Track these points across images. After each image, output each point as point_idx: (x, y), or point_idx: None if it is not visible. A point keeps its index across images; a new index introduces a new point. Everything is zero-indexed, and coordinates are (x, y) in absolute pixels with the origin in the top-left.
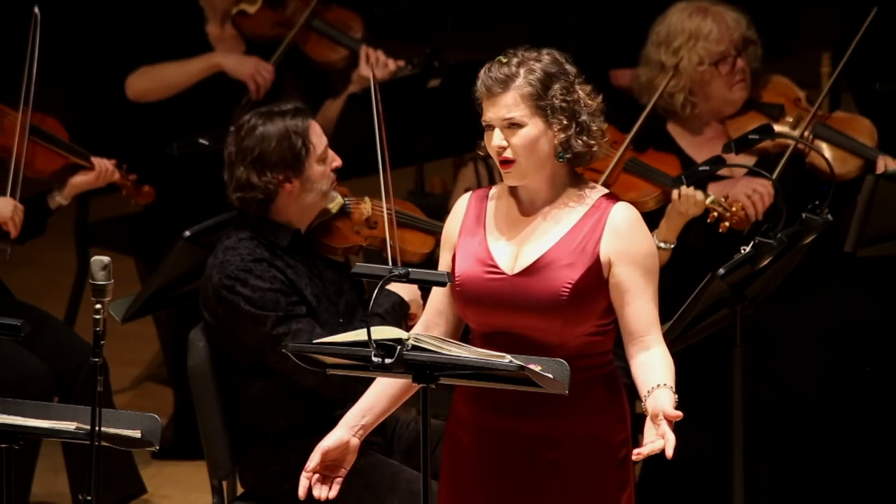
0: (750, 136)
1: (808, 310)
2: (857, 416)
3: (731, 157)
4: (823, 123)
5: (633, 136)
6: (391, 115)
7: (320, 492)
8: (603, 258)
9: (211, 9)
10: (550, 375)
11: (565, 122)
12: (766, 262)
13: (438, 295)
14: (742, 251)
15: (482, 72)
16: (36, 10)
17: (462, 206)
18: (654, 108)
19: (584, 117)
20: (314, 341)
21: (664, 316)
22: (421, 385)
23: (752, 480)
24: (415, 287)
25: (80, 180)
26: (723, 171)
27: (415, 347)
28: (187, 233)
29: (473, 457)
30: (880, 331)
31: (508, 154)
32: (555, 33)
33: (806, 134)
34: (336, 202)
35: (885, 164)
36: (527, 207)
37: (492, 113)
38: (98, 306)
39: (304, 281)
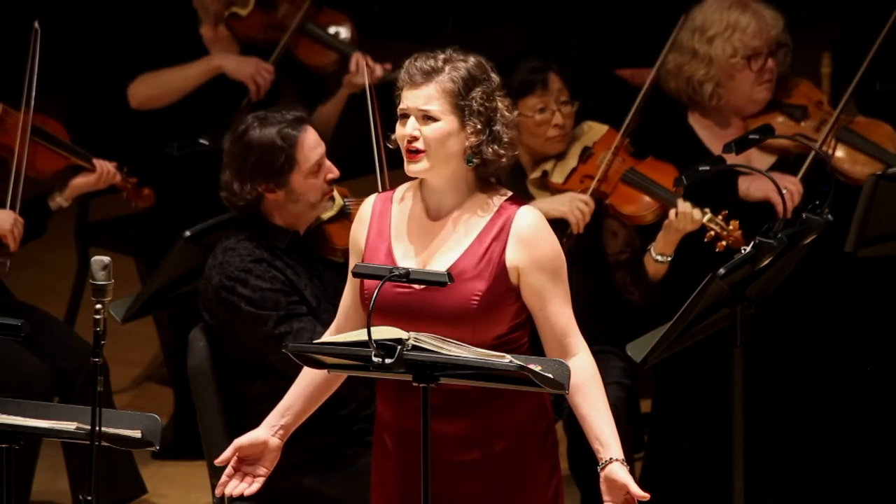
0: (750, 137)
1: (808, 310)
2: (857, 417)
3: (731, 157)
4: (847, 128)
5: (628, 132)
6: (389, 115)
7: (234, 488)
8: (510, 265)
9: (204, 11)
10: (550, 375)
11: (479, 126)
12: (766, 262)
13: (347, 299)
14: (742, 251)
15: (408, 61)
16: (36, 24)
17: (367, 210)
18: (678, 98)
19: (498, 126)
20: (316, 341)
21: (666, 319)
22: (421, 385)
23: (752, 481)
24: None
25: (81, 182)
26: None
27: (415, 347)
28: (187, 233)
29: (396, 461)
30: (880, 331)
31: (419, 144)
32: (555, 33)
33: (829, 138)
34: (336, 203)
35: None
36: (433, 214)
37: (410, 101)
38: (98, 306)
39: (303, 281)
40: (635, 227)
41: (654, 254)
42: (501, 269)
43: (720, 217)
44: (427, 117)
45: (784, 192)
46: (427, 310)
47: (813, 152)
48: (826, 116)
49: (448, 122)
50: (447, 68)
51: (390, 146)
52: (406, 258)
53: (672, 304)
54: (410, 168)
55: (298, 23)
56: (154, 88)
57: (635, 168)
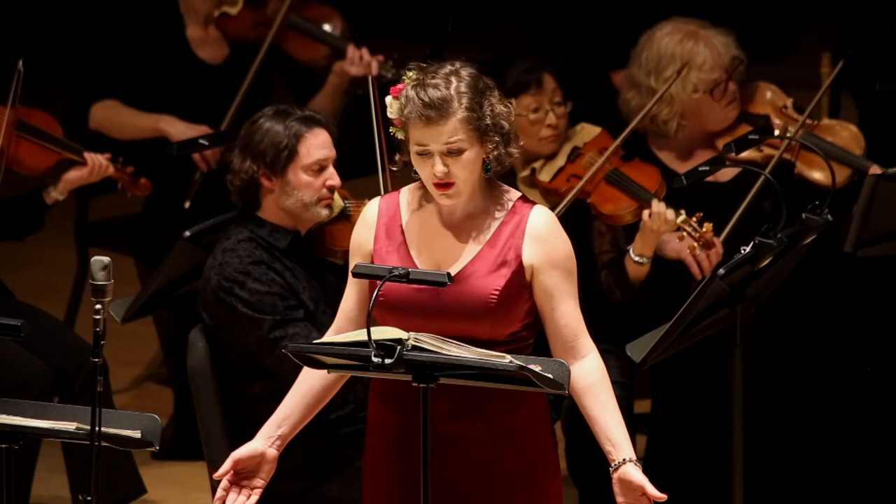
0: (750, 137)
1: (807, 310)
2: (856, 417)
3: (731, 158)
4: (810, 132)
5: (621, 144)
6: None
7: (232, 502)
8: (525, 263)
9: (192, 12)
10: (550, 376)
11: (497, 138)
12: (766, 263)
13: (350, 302)
14: (742, 251)
15: (412, 95)
16: (20, 64)
17: (373, 212)
18: (643, 133)
19: (507, 127)
20: (315, 342)
21: (663, 320)
22: (421, 385)
23: (751, 481)
24: None
25: (73, 175)
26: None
27: (415, 347)
28: (187, 233)
29: (397, 465)
30: (880, 331)
31: (449, 178)
32: (554, 35)
33: (795, 137)
34: (336, 204)
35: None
36: (446, 217)
37: (431, 140)
38: (98, 306)
39: (302, 284)
40: (620, 228)
41: (633, 255)
42: (518, 266)
43: (694, 219)
44: (452, 151)
45: (699, 253)
46: (445, 307)
47: (776, 156)
48: (790, 122)
49: (474, 149)
50: (453, 93)
51: (394, 169)
52: (423, 260)
53: (671, 304)
54: (446, 201)
55: (283, 17)
56: (108, 121)
57: (619, 169)
